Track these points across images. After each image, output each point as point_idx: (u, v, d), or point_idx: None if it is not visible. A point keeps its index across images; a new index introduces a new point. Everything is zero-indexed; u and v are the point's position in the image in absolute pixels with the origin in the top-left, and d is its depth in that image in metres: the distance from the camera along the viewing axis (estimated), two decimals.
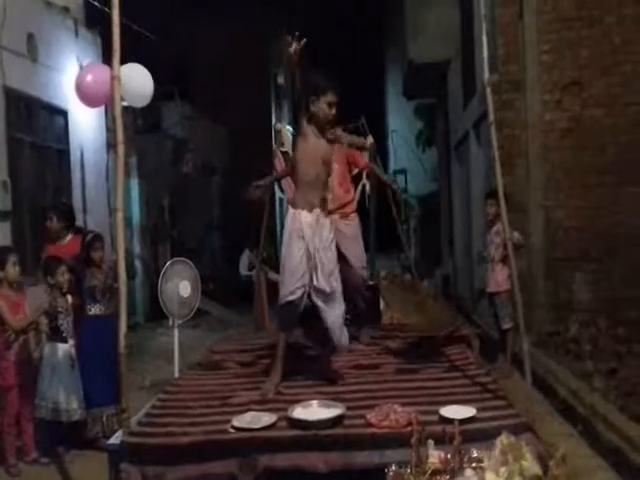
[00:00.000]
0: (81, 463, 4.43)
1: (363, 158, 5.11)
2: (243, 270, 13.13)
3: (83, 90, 4.03)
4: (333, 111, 3.86)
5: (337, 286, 3.90)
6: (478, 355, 5.13)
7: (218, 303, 11.38)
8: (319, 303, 3.84)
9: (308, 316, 4.05)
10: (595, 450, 3.75)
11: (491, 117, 3.73)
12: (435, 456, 2.50)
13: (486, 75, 3.87)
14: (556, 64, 7.04)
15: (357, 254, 4.89)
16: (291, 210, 3.91)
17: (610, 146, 6.86)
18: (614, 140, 6.85)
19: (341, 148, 4.78)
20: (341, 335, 3.96)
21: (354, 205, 5.07)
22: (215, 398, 3.68)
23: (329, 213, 4.67)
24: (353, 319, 4.96)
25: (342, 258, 4.70)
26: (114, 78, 3.41)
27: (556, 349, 6.04)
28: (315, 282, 3.78)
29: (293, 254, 3.77)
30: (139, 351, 7.93)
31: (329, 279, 3.82)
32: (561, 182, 6.95)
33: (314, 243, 3.79)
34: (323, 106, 3.82)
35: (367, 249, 6.14)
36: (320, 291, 3.80)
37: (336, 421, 3.11)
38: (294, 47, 3.77)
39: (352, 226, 4.93)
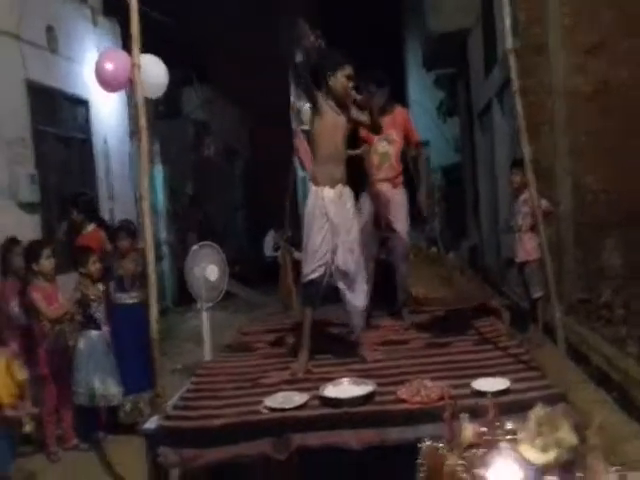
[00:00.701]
0: (120, 448, 4.53)
1: (416, 134, 5.09)
2: (268, 251, 13.19)
3: (102, 75, 4.05)
4: (351, 84, 3.86)
5: (359, 268, 3.90)
6: (509, 326, 5.10)
7: (245, 285, 11.45)
8: (341, 285, 3.87)
9: (333, 294, 4.04)
10: (631, 416, 3.70)
11: (515, 85, 3.66)
12: (469, 429, 2.47)
13: (509, 43, 3.78)
14: (579, 27, 6.84)
15: (403, 221, 4.94)
16: (313, 187, 3.88)
17: (636, 108, 6.66)
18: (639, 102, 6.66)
19: (398, 121, 4.90)
20: (360, 322, 3.99)
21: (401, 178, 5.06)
22: (246, 380, 3.71)
23: (384, 181, 4.74)
24: (400, 291, 4.96)
25: (389, 225, 4.90)
26: (134, 65, 3.42)
27: (588, 316, 5.96)
28: (337, 261, 3.80)
29: (315, 232, 3.78)
30: (169, 335, 8.04)
31: (351, 257, 3.83)
32: (588, 147, 6.79)
33: (337, 220, 3.79)
34: (342, 79, 3.82)
35: None
36: (341, 271, 3.82)
37: (368, 398, 3.12)
38: (312, 42, 3.78)
39: (401, 194, 4.98)
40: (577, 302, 6.23)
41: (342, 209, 3.84)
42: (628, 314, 5.71)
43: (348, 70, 3.83)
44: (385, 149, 4.94)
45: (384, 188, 4.92)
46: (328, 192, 3.81)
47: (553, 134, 6.84)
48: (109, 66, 3.99)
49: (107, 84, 4.11)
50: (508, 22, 3.88)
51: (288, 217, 7.67)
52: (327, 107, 3.84)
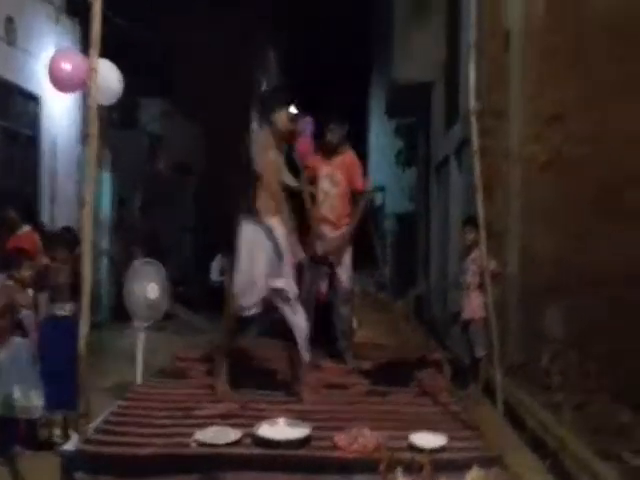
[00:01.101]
0: (37, 466, 4.17)
1: (363, 178, 5.09)
2: (214, 275, 12.87)
3: (56, 73, 3.89)
4: (293, 125, 4.09)
5: (296, 293, 3.95)
6: (449, 381, 5.08)
7: (187, 307, 11.15)
8: (285, 308, 3.87)
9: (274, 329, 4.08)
10: None
11: (475, 146, 3.71)
12: None
13: (472, 105, 3.85)
14: (539, 97, 7.05)
15: (344, 265, 4.95)
16: (245, 219, 3.92)
17: (589, 181, 6.87)
18: (594, 175, 6.87)
19: (346, 164, 4.94)
20: (305, 344, 3.94)
21: (354, 221, 5.03)
22: (178, 409, 3.54)
23: (323, 221, 4.74)
24: (339, 334, 4.89)
25: (331, 267, 4.94)
26: (91, 69, 3.28)
27: (527, 379, 5.99)
28: (281, 285, 3.83)
29: (257, 263, 3.81)
30: (103, 351, 7.66)
31: (292, 283, 3.90)
32: (539, 214, 6.94)
33: (278, 250, 3.86)
34: (284, 118, 3.96)
35: None
36: (284, 297, 3.85)
37: (303, 442, 3.00)
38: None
39: (342, 238, 4.96)
40: (517, 364, 6.27)
41: (283, 239, 3.91)
42: (565, 381, 5.78)
43: (291, 113, 4.03)
44: (327, 188, 4.96)
45: (324, 229, 4.94)
46: (271, 223, 3.89)
47: (506, 197, 6.98)
48: (64, 66, 3.84)
49: (60, 83, 3.95)
50: (472, 82, 3.97)
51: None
52: (271, 142, 3.94)
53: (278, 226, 3.90)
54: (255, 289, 3.79)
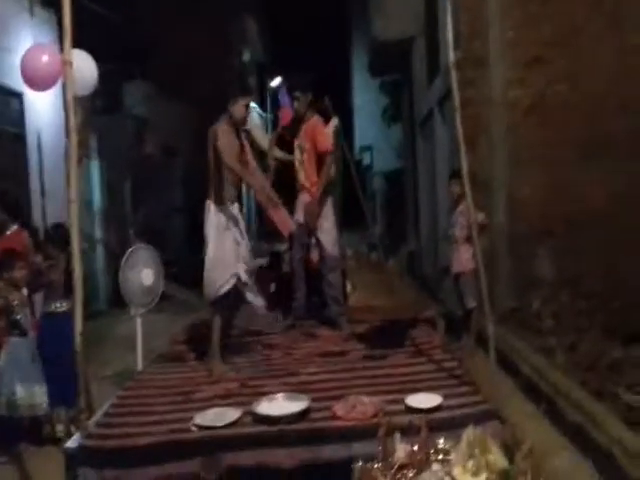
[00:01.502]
0: (42, 463, 4.27)
1: (326, 141, 5.06)
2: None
3: (28, 74, 3.82)
4: (248, 112, 4.41)
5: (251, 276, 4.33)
6: (444, 335, 5.15)
7: (182, 286, 11.21)
8: (244, 289, 4.25)
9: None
10: (559, 429, 3.78)
11: (456, 101, 3.68)
12: (402, 449, 2.46)
13: (451, 56, 3.81)
14: (519, 41, 6.97)
15: (327, 232, 4.99)
16: (214, 205, 4.23)
17: (573, 122, 6.85)
18: (577, 116, 6.85)
19: (309, 129, 5.01)
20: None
21: (321, 184, 5.01)
22: (177, 393, 3.59)
23: (302, 189, 4.84)
24: (330, 301, 4.94)
25: (315, 235, 4.99)
26: (65, 62, 3.22)
27: (519, 325, 6.08)
28: (239, 269, 4.16)
29: (224, 246, 4.12)
30: (102, 339, 7.74)
31: (248, 265, 4.29)
32: (524, 159, 6.93)
33: (239, 233, 4.22)
34: (241, 107, 4.30)
35: None
36: (242, 282, 4.19)
37: (302, 415, 3.06)
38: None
39: (320, 204, 4.99)
40: (508, 311, 6.35)
41: (240, 223, 4.28)
42: (557, 324, 5.87)
43: (247, 100, 4.37)
44: (299, 157, 5.11)
45: (303, 197, 5.05)
46: (232, 208, 4.24)
47: (491, 145, 6.96)
48: (35, 64, 3.77)
49: (34, 83, 3.88)
50: (450, 35, 3.91)
51: None
52: (230, 131, 4.28)
53: (236, 214, 4.26)
54: (225, 269, 4.10)
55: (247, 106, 4.38)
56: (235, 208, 4.27)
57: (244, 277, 4.16)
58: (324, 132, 5.08)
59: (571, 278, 6.48)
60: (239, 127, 4.38)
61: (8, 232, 5.38)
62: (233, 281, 4.11)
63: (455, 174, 5.76)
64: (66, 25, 3.18)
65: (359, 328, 4.73)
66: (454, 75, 3.81)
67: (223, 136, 4.18)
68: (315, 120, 5.08)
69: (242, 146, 4.39)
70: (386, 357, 4.00)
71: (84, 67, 3.98)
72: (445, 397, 3.11)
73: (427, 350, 4.04)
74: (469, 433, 2.33)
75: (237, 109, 4.31)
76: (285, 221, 5.02)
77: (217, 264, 4.09)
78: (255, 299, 4.33)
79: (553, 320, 5.94)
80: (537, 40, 6.91)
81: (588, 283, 6.40)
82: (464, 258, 5.58)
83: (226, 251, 4.12)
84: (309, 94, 5.05)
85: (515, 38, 6.97)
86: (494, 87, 7.02)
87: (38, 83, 3.90)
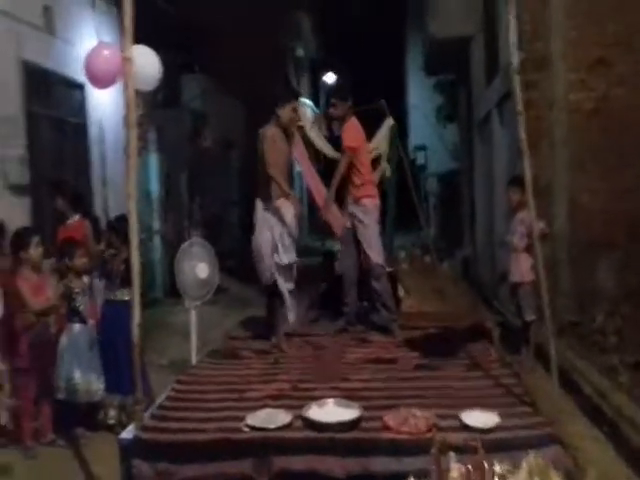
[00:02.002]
0: (98, 447, 4.39)
1: (349, 138, 5.02)
2: None
3: (92, 72, 3.90)
4: (296, 116, 4.77)
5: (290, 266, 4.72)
6: (499, 346, 5.02)
7: (237, 280, 11.33)
8: (279, 276, 4.68)
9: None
10: (622, 456, 3.61)
11: (519, 106, 3.58)
12: (456, 469, 2.39)
13: (514, 61, 3.70)
14: (582, 42, 6.74)
15: (370, 242, 4.94)
16: (260, 202, 4.65)
17: (637, 127, 6.58)
18: None
19: (345, 132, 5.02)
20: (293, 303, 4.82)
21: (366, 190, 4.95)
22: (230, 390, 3.62)
23: (349, 195, 4.83)
24: (380, 307, 4.89)
25: (358, 243, 4.98)
26: (125, 59, 3.28)
27: (580, 340, 5.87)
28: (277, 260, 4.62)
29: (262, 240, 4.60)
30: (158, 328, 7.90)
31: (289, 256, 4.66)
32: (586, 164, 6.70)
33: (278, 230, 4.58)
34: (288, 111, 4.62)
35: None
36: (280, 267, 4.65)
37: (353, 424, 3.03)
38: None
39: (363, 211, 4.97)
40: (569, 325, 6.14)
41: (289, 217, 4.60)
42: (621, 341, 5.64)
43: (294, 104, 4.70)
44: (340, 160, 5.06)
45: (349, 204, 5.03)
46: (279, 204, 4.58)
47: (552, 149, 6.75)
48: (98, 63, 3.83)
49: (97, 81, 3.96)
50: (513, 36, 3.82)
51: None
52: (277, 134, 4.59)
53: (285, 206, 4.58)
54: (263, 263, 4.63)
55: (294, 109, 4.65)
56: (284, 205, 4.57)
57: (281, 263, 4.57)
58: (352, 130, 5.03)
59: (635, 291, 6.22)
60: (287, 129, 4.63)
61: (69, 221, 5.55)
62: (269, 275, 4.61)
63: (514, 180, 5.61)
64: (127, 23, 3.23)
65: (412, 335, 4.66)
66: (517, 80, 3.72)
67: (268, 141, 4.49)
68: (352, 120, 5.07)
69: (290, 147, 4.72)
70: (440, 368, 3.91)
71: (148, 63, 4.03)
72: (503, 416, 3.01)
73: (483, 363, 3.92)
74: (530, 460, 2.24)
75: (285, 113, 4.58)
76: (337, 219, 5.03)
77: (257, 258, 4.61)
78: (286, 289, 4.68)
79: (616, 336, 5.71)
80: (600, 41, 6.68)
81: None
82: (524, 268, 5.43)
83: (262, 246, 4.57)
84: (347, 102, 5.04)
85: (578, 39, 6.75)
86: (556, 90, 6.81)
87: (100, 81, 3.98)
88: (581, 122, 6.76)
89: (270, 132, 4.53)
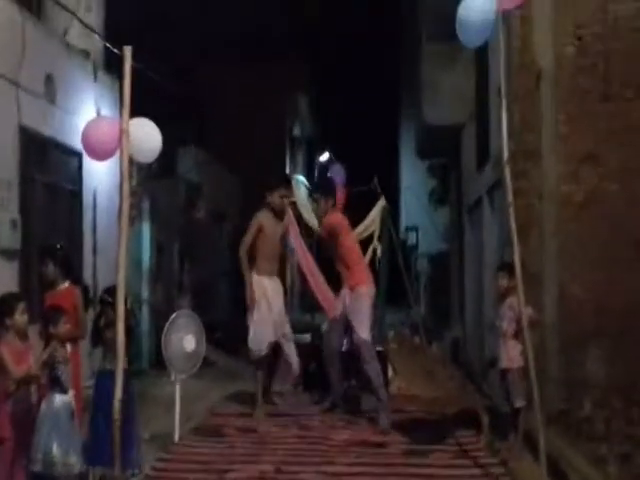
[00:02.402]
0: None
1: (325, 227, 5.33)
2: None
3: (89, 145, 3.98)
4: (285, 201, 5.29)
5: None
6: (488, 432, 4.93)
7: (224, 352, 11.15)
8: (286, 345, 5.13)
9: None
10: None
11: (509, 198, 3.70)
12: None
13: (505, 154, 3.85)
14: (572, 136, 6.95)
15: (360, 324, 4.96)
16: (255, 276, 5.11)
17: (625, 221, 6.73)
18: (630, 215, 6.73)
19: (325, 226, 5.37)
20: (297, 370, 5.23)
21: (360, 276, 5.02)
22: (211, 471, 3.50)
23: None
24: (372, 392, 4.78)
25: (347, 325, 4.86)
26: (123, 132, 3.37)
27: (568, 428, 5.78)
28: (286, 330, 5.11)
29: (261, 313, 4.99)
30: (142, 400, 7.68)
31: (287, 326, 5.22)
32: (576, 255, 6.78)
33: (274, 301, 5.08)
34: (277, 197, 5.19)
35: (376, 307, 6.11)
36: (288, 338, 5.15)
37: None
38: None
39: (354, 298, 5.06)
40: (557, 413, 6.06)
41: (274, 293, 5.12)
42: (609, 431, 5.57)
43: (282, 191, 5.28)
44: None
45: (345, 291, 5.17)
46: (268, 281, 5.11)
47: (542, 239, 6.85)
48: (96, 136, 3.90)
49: (94, 154, 4.03)
50: (505, 130, 3.98)
51: None
52: (269, 217, 5.19)
53: (269, 283, 5.13)
54: (266, 335, 5.00)
55: (283, 196, 5.19)
56: (273, 280, 5.08)
57: (288, 335, 5.14)
58: (332, 217, 5.35)
59: (624, 383, 6.19)
60: (278, 214, 5.17)
61: (59, 288, 5.49)
62: (270, 347, 4.94)
63: (503, 266, 5.66)
64: (125, 97, 3.35)
65: (400, 417, 4.57)
66: (507, 172, 3.86)
67: (252, 225, 5.09)
68: (331, 215, 5.36)
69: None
70: (428, 454, 3.83)
71: (149, 136, 4.12)
72: None
73: (472, 451, 3.86)
74: None
75: (274, 199, 5.11)
76: (329, 300, 5.06)
77: (255, 329, 4.93)
78: (292, 352, 5.13)
79: (604, 426, 5.64)
80: (591, 136, 6.91)
81: None
82: (512, 354, 5.40)
83: (264, 318, 4.96)
84: (330, 199, 5.40)
85: (568, 132, 6.96)
86: (546, 180, 6.96)
87: (97, 154, 4.05)
88: (571, 214, 6.87)
89: (258, 218, 5.16)
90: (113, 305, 4.78)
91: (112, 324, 4.73)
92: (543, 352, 6.27)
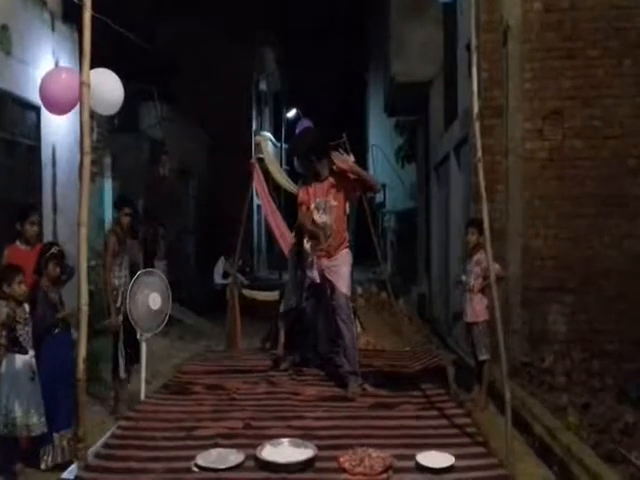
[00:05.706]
0: None
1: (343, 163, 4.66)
2: (218, 278, 12.90)
3: (47, 98, 3.79)
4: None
5: None
6: (454, 384, 5.03)
7: (190, 311, 11.10)
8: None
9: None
10: None
11: (479, 154, 3.66)
12: None
13: (475, 108, 3.80)
14: (538, 93, 6.98)
15: (341, 275, 4.60)
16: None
17: (589, 178, 6.84)
18: (593, 172, 6.84)
19: (329, 186, 4.65)
20: None
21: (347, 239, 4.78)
22: (180, 428, 3.49)
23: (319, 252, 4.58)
24: (343, 359, 4.54)
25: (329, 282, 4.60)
26: (82, 84, 3.21)
27: (530, 380, 5.96)
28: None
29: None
30: (107, 359, 7.65)
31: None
32: (540, 211, 6.89)
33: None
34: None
35: None
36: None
37: (307, 464, 2.95)
38: None
39: (339, 259, 4.65)
40: (520, 365, 6.23)
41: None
42: (570, 381, 5.74)
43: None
44: (323, 219, 4.64)
45: (322, 261, 4.63)
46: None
47: (507, 196, 6.92)
48: (54, 88, 3.73)
49: (53, 107, 3.85)
50: (475, 86, 3.92)
51: (240, 245, 7.51)
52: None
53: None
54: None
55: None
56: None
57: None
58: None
59: (584, 336, 6.37)
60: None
61: (34, 248, 5.28)
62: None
63: (473, 222, 5.71)
64: (85, 48, 3.18)
65: (367, 372, 4.60)
66: (477, 127, 3.81)
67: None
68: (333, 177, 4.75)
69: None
70: (395, 407, 3.88)
71: (110, 88, 3.95)
72: (457, 457, 2.99)
73: (438, 402, 3.92)
74: None
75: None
76: (286, 238, 5.01)
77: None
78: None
79: (565, 377, 5.81)
80: (556, 93, 6.93)
81: (602, 342, 6.29)
82: (478, 308, 5.50)
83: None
84: (325, 159, 4.68)
85: (534, 90, 6.98)
86: (512, 137, 7.00)
87: (57, 108, 3.87)
88: (536, 171, 6.95)
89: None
90: (59, 260, 4.69)
91: (57, 280, 4.65)
92: (506, 306, 6.40)
